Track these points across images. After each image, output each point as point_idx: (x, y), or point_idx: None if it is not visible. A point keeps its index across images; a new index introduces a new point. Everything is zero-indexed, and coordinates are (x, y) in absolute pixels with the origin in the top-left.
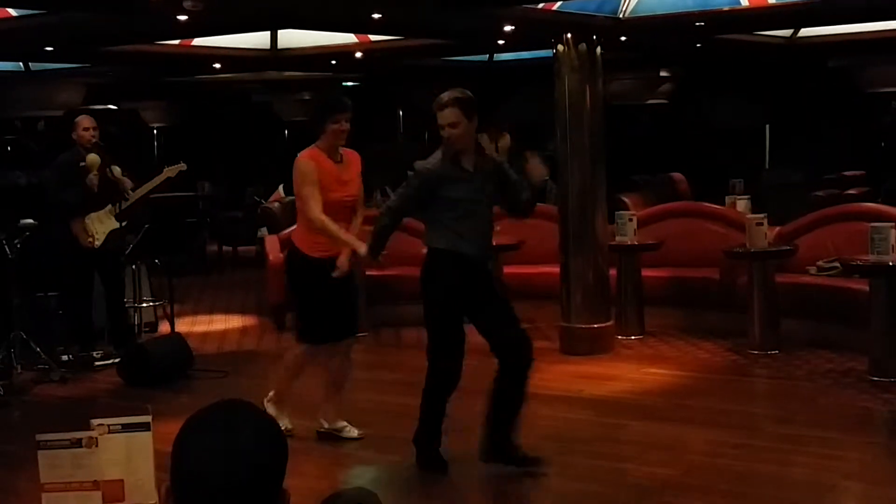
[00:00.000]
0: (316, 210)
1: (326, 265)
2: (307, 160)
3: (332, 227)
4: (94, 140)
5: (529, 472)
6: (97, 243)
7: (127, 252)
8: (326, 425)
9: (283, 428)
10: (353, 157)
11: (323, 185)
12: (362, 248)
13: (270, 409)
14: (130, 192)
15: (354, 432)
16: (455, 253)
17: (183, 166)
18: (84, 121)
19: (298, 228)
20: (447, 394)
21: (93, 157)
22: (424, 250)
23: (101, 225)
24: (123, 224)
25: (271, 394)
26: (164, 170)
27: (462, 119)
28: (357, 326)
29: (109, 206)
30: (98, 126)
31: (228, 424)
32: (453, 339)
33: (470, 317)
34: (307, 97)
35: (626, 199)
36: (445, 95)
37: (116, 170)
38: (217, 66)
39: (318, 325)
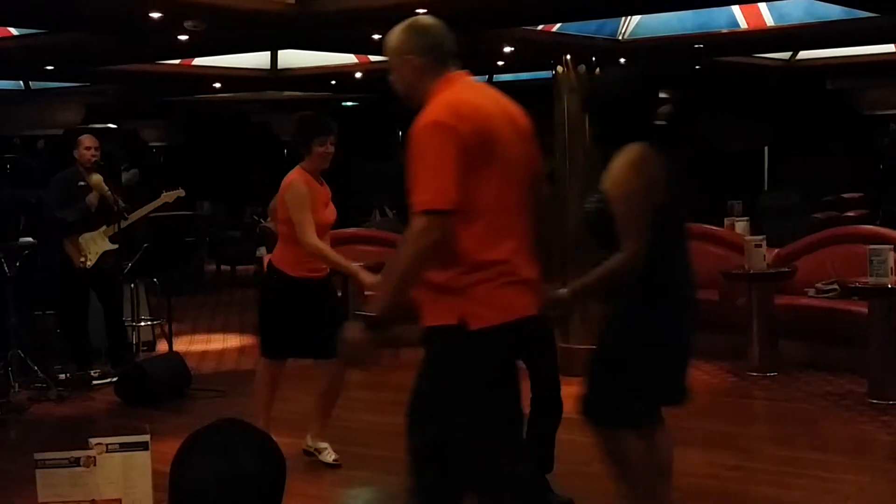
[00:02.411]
0: (312, 236)
1: (308, 284)
2: (302, 184)
3: (331, 253)
4: (94, 159)
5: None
6: (89, 264)
7: (125, 271)
8: (309, 443)
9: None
10: (323, 181)
11: (313, 208)
12: (365, 276)
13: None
14: (125, 212)
15: (330, 457)
16: None
17: (181, 192)
18: (86, 140)
19: (283, 250)
20: None
21: (97, 178)
22: None
23: (94, 245)
24: (117, 246)
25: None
26: (163, 194)
27: None
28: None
29: (104, 227)
30: (99, 146)
31: (226, 446)
32: None
33: None
34: None
35: None
36: None
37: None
38: (217, 85)
39: (281, 338)
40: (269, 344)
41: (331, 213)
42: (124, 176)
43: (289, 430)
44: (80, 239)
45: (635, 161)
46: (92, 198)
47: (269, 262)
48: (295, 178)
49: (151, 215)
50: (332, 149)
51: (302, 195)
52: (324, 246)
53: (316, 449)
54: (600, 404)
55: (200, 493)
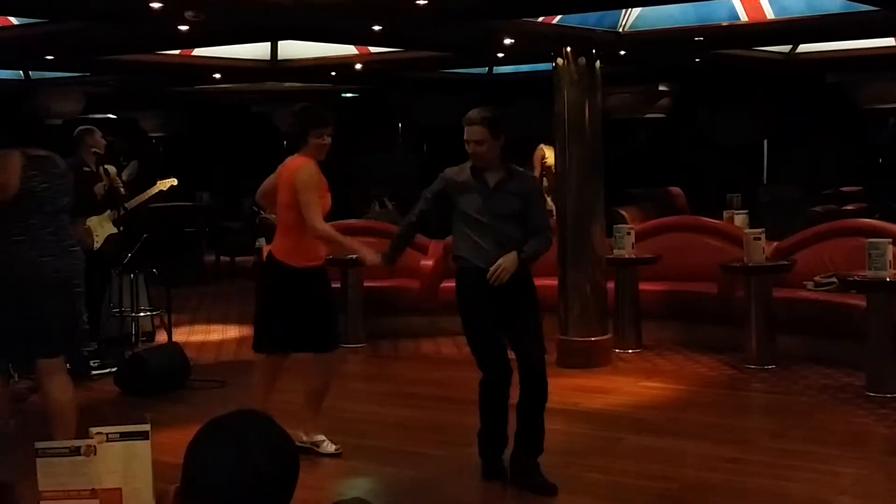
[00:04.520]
0: (319, 219)
1: (310, 275)
2: (313, 167)
3: (338, 234)
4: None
5: (529, 487)
6: (96, 245)
7: (125, 261)
8: (304, 438)
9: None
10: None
11: (319, 194)
12: (369, 256)
13: None
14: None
15: (331, 447)
16: (466, 264)
17: (174, 181)
18: (97, 132)
19: (284, 239)
20: (494, 401)
21: (112, 168)
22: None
23: (101, 228)
24: (120, 229)
25: None
26: (157, 183)
27: (488, 138)
28: (338, 338)
29: (109, 212)
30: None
31: (241, 439)
32: (485, 347)
33: (499, 328)
34: None
35: (624, 213)
36: (475, 113)
37: (112, 169)
38: (217, 76)
39: (280, 334)
40: (266, 338)
41: (328, 201)
42: (126, 171)
43: (287, 421)
44: (88, 222)
45: None
46: (100, 187)
47: (269, 253)
48: (304, 162)
49: (150, 206)
50: (328, 140)
51: (314, 177)
52: (330, 228)
53: (312, 443)
54: None
55: (209, 485)
